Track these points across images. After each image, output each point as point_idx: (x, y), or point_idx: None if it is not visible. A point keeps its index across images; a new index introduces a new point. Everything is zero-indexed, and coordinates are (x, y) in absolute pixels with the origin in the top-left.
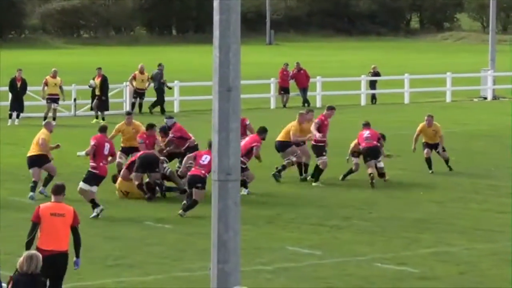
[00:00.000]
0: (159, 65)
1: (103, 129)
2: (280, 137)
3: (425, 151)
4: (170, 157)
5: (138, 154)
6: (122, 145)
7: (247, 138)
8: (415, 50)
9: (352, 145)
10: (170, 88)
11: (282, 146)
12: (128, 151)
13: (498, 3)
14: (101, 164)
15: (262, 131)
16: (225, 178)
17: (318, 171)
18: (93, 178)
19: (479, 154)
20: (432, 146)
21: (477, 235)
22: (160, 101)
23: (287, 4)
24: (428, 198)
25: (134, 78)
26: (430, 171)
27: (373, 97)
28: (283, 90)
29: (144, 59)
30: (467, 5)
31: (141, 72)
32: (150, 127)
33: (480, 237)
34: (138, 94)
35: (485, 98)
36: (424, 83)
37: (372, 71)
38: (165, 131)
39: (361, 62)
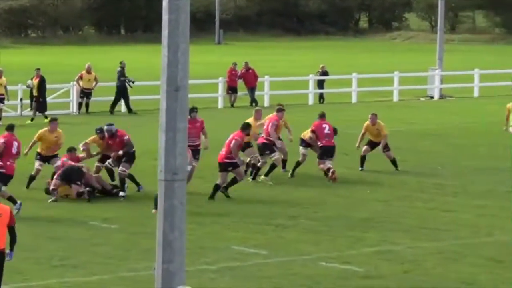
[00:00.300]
0: (121, 62)
1: (10, 128)
2: None
3: (364, 148)
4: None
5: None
6: (40, 152)
7: (230, 135)
8: (364, 50)
9: (305, 133)
10: (133, 82)
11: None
12: (46, 159)
13: (446, 3)
14: (8, 163)
15: (246, 127)
16: (171, 178)
17: (272, 168)
18: (0, 178)
19: (426, 153)
20: (376, 145)
21: (422, 234)
22: (118, 100)
23: (237, 3)
24: (374, 197)
25: (81, 77)
26: (360, 169)
27: (321, 97)
28: (231, 89)
29: (92, 59)
30: (415, 5)
31: (88, 71)
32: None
33: (425, 235)
34: (85, 93)
35: (432, 97)
36: (372, 82)
37: (320, 70)
38: (112, 136)
39: (309, 61)
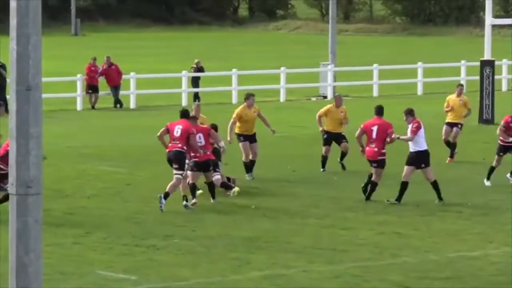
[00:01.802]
0: None
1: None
2: None
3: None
4: None
5: None
6: None
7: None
8: (244, 42)
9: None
10: None
11: None
12: None
13: None
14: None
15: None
16: (24, 191)
17: None
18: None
19: (319, 161)
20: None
21: (317, 255)
22: None
23: None
24: (259, 213)
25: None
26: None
27: (196, 96)
28: (91, 88)
29: None
30: None
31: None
32: None
33: (321, 257)
34: None
35: (325, 97)
36: (255, 80)
37: (195, 66)
38: None
39: (182, 56)
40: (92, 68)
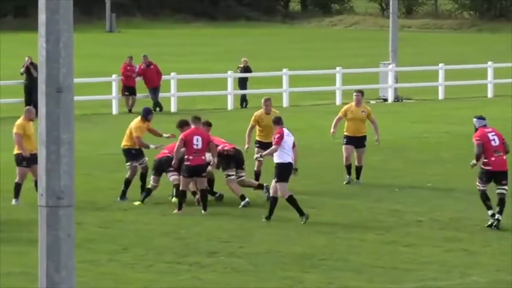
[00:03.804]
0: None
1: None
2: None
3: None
4: None
5: None
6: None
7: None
8: (296, 39)
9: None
10: None
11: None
12: None
13: None
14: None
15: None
16: (55, 203)
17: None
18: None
19: (378, 171)
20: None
21: (376, 274)
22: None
23: None
24: (313, 228)
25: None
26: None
27: (244, 99)
28: (128, 90)
29: None
30: None
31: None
32: None
33: (381, 276)
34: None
35: (386, 100)
36: (307, 81)
37: (241, 65)
38: None
39: (227, 54)
40: (128, 68)
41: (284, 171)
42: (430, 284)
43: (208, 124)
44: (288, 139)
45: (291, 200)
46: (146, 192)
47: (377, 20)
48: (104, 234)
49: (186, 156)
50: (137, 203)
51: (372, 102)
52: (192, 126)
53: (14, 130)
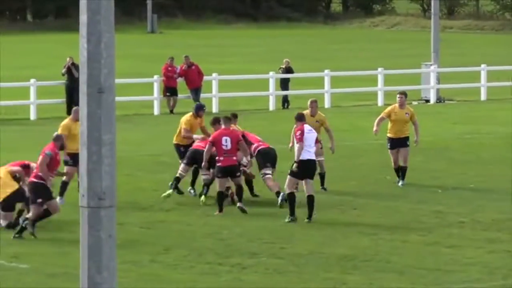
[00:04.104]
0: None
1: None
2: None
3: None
4: None
5: None
6: None
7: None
8: (337, 40)
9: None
10: None
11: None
12: None
13: None
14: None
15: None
16: (97, 204)
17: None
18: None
19: (420, 172)
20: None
21: (419, 276)
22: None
23: None
24: (356, 229)
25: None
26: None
27: (285, 100)
28: (169, 91)
29: None
30: None
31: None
32: None
33: (424, 278)
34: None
35: (428, 101)
36: (349, 81)
37: (283, 66)
38: None
39: (269, 55)
40: (169, 69)
41: (301, 168)
42: (473, 286)
43: (235, 116)
44: (309, 136)
45: (290, 196)
46: (175, 180)
47: (418, 21)
48: (146, 235)
49: (217, 158)
50: (167, 193)
51: (414, 103)
52: (222, 126)
53: (59, 130)
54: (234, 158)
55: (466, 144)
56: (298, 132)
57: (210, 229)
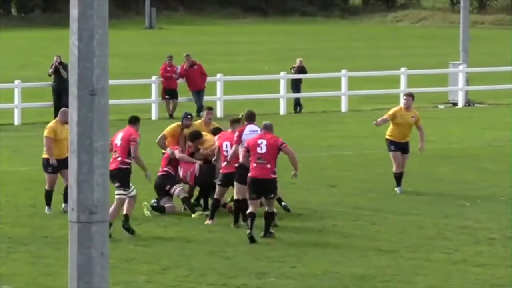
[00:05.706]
0: None
1: None
2: None
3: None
4: None
5: None
6: None
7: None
8: (356, 36)
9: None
10: None
11: None
12: None
13: None
14: None
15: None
16: (87, 218)
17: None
18: None
19: (447, 183)
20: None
21: None
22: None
23: None
24: (374, 246)
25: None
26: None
27: (297, 103)
28: (169, 93)
29: None
30: None
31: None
32: None
33: None
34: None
35: (455, 104)
36: (369, 83)
37: (296, 66)
38: None
39: (280, 53)
40: (168, 69)
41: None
42: None
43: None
44: (246, 137)
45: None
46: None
47: (446, 15)
48: (142, 252)
49: (222, 165)
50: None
51: (441, 106)
52: (229, 130)
53: (45, 133)
54: (236, 165)
55: (497, 152)
56: (237, 134)
57: (213, 247)
